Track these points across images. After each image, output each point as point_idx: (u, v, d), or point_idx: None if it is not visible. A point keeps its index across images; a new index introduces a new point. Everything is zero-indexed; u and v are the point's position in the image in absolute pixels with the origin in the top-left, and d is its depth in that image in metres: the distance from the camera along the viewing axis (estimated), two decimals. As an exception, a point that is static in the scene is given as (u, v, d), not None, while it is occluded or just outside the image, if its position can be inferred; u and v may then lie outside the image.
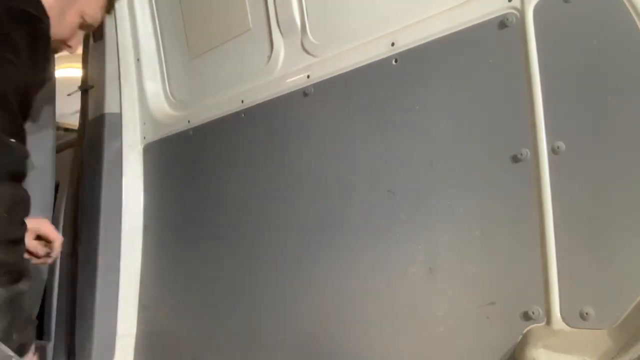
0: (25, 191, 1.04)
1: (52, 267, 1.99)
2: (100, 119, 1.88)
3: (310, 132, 1.39)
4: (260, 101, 1.51)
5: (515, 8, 1.03)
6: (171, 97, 1.87)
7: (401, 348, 1.15)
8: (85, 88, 2.00)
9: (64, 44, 1.33)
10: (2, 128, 0.98)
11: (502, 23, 1.05)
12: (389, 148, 1.21)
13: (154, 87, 1.90)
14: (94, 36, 1.96)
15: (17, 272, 1.01)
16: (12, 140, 1.00)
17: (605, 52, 0.94)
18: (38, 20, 1.11)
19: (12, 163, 1.01)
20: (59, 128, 2.57)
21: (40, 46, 1.11)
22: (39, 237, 1.42)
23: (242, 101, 1.57)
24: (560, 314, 0.94)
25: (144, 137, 1.89)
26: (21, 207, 1.03)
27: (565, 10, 0.98)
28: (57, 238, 1.44)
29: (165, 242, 1.79)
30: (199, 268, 1.67)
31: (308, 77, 1.39)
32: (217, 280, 1.60)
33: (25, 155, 1.05)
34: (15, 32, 1.03)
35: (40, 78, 1.14)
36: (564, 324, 0.94)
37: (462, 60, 1.12)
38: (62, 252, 2.00)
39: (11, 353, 0.91)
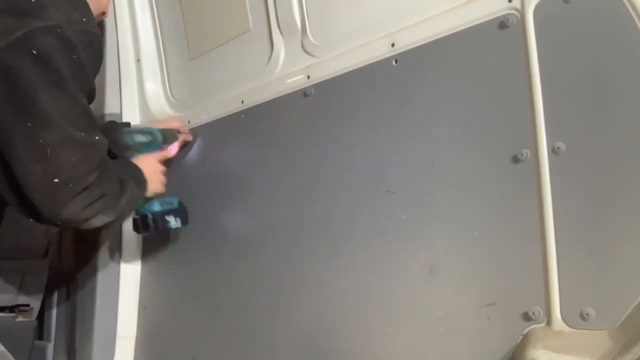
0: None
1: (52, 267, 1.99)
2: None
3: (310, 133, 1.39)
4: (261, 102, 1.51)
5: (515, 8, 1.03)
6: (171, 98, 1.87)
7: (401, 348, 1.15)
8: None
9: (102, 15, 1.52)
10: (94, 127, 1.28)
11: (502, 23, 1.05)
12: (389, 148, 1.21)
13: (154, 87, 1.89)
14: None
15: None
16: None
17: (605, 52, 0.93)
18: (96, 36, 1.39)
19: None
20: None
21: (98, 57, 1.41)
22: None
23: (242, 102, 1.57)
24: (561, 314, 0.94)
25: (144, 138, 1.89)
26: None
27: (565, 11, 0.98)
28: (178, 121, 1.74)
29: (165, 242, 1.79)
30: (199, 268, 1.67)
31: (308, 77, 1.40)
32: (217, 281, 1.60)
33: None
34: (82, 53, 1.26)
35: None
36: (564, 324, 0.94)
37: (462, 60, 1.12)
38: (62, 253, 2.03)
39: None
